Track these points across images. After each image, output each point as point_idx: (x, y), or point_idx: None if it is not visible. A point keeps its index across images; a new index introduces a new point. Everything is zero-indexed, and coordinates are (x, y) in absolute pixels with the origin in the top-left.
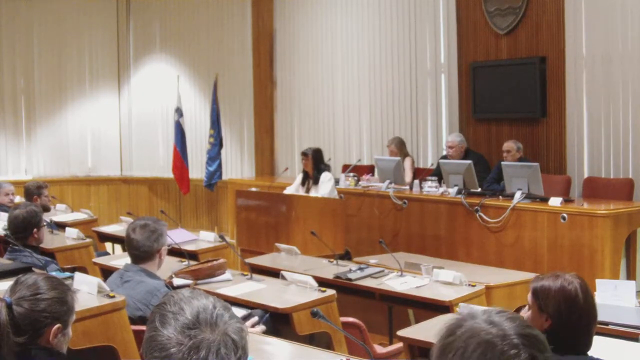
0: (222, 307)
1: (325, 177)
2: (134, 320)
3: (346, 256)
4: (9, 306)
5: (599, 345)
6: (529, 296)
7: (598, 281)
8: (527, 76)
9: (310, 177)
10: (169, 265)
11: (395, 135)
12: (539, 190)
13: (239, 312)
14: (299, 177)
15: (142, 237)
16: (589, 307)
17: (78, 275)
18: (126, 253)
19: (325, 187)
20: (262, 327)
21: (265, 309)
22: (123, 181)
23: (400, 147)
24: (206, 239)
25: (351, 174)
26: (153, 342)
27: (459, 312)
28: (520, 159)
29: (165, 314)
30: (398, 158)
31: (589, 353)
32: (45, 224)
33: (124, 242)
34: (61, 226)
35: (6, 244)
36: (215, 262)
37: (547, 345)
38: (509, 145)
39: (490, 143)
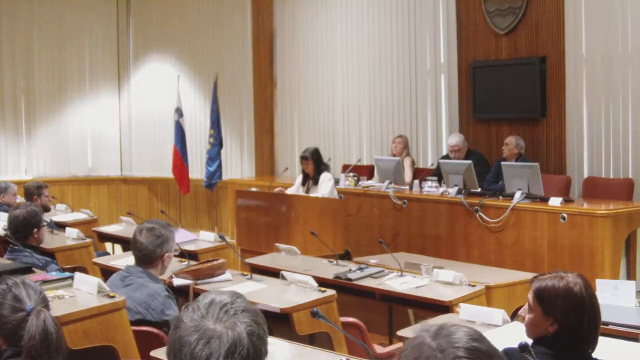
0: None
1: (325, 177)
2: (133, 324)
3: (346, 256)
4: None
5: (599, 345)
6: (530, 297)
7: (598, 281)
8: (527, 76)
9: (311, 178)
10: (169, 265)
11: (397, 134)
12: (539, 190)
13: None
14: (299, 178)
15: (146, 240)
16: (594, 308)
17: (78, 275)
18: (126, 253)
19: (325, 187)
20: None
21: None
22: (123, 181)
23: (406, 145)
24: (206, 239)
25: (351, 174)
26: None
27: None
28: (519, 157)
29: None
30: (398, 158)
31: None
32: (45, 224)
33: (127, 242)
34: (61, 226)
35: (6, 244)
36: (215, 262)
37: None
38: (509, 139)
39: (490, 143)
